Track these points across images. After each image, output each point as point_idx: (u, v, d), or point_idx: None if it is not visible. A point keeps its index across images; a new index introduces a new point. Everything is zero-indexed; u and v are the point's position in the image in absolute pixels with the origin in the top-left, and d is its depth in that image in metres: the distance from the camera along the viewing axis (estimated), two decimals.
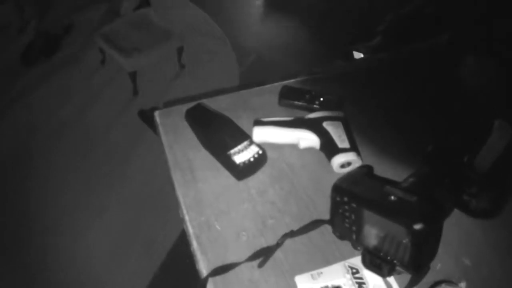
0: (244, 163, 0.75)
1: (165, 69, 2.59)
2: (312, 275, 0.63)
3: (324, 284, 0.62)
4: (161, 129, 0.86)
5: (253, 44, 2.88)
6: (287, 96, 0.89)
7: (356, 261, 0.64)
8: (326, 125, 0.80)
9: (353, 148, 0.77)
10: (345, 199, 0.62)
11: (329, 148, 0.78)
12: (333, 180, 0.67)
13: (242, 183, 0.76)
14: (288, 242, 0.67)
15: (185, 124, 0.85)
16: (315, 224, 0.68)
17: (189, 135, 0.84)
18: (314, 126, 0.80)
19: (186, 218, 0.71)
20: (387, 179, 0.71)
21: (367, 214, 0.59)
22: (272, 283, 0.63)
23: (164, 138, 0.84)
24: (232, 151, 0.76)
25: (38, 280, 1.65)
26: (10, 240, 1.78)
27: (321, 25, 2.94)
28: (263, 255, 0.65)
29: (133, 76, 2.34)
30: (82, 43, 2.76)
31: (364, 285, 0.61)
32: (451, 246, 0.66)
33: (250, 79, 2.53)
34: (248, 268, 0.64)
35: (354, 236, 0.63)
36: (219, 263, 0.64)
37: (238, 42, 2.85)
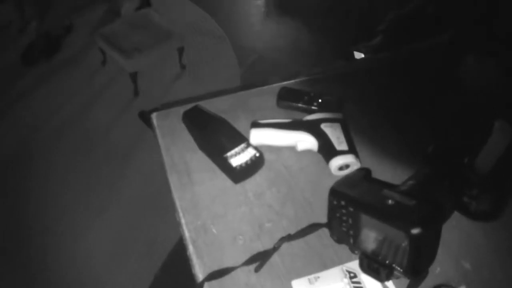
0: (240, 166, 0.75)
1: (166, 69, 2.59)
2: (309, 280, 0.62)
3: None
4: (158, 131, 0.85)
5: (254, 44, 2.87)
6: (285, 97, 0.89)
7: (354, 265, 0.63)
8: (324, 127, 0.79)
9: (352, 150, 0.76)
10: (342, 203, 0.61)
11: (327, 150, 0.77)
12: (331, 183, 0.66)
13: (239, 186, 0.76)
14: (285, 246, 0.66)
15: (183, 126, 0.85)
16: (313, 227, 0.68)
17: (186, 137, 0.83)
18: (312, 128, 0.79)
19: (183, 221, 0.71)
20: (385, 182, 0.71)
21: (365, 218, 0.59)
22: None
23: (161, 141, 0.84)
24: (229, 153, 0.76)
25: (38, 280, 1.65)
26: (10, 240, 1.79)
27: (322, 25, 2.93)
28: (260, 259, 0.64)
29: (133, 76, 2.34)
30: (83, 43, 2.76)
31: None
32: (451, 249, 0.65)
33: (251, 79, 2.52)
34: (244, 272, 0.64)
35: (351, 240, 0.62)
36: (215, 267, 0.64)
37: (239, 42, 2.84)
